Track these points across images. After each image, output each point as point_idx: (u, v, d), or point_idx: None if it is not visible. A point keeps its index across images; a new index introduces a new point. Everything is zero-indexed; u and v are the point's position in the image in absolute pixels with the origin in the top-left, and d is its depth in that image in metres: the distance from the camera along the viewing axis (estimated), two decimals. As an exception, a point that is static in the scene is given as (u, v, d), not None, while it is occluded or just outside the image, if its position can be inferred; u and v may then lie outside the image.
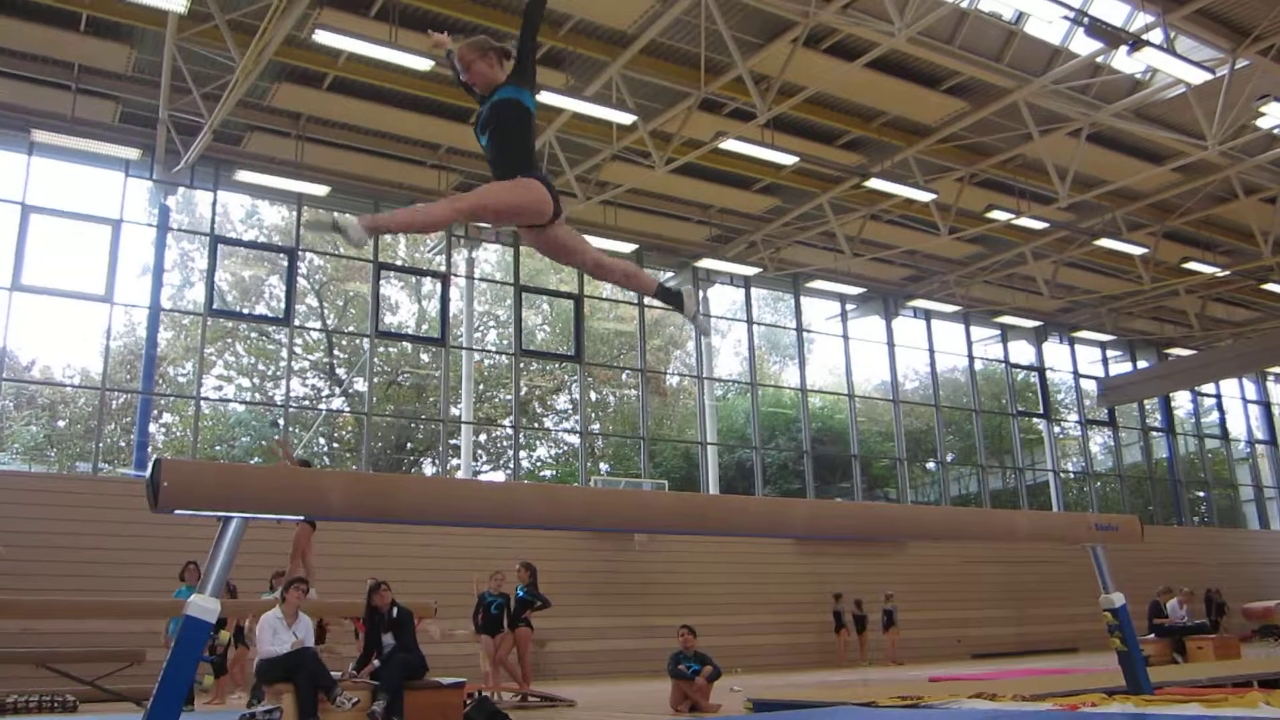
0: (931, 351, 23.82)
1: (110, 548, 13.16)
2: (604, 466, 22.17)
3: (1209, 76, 13.21)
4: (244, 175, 15.97)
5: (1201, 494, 28.61)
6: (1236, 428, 29.64)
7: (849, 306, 22.94)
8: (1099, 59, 14.03)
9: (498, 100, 4.21)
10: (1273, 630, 21.86)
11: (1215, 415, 29.25)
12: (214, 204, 17.03)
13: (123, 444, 18.58)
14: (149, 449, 16.79)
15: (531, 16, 4.27)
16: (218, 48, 12.56)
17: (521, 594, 11.11)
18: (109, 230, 15.63)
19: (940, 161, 17.13)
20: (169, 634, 9.90)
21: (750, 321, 21.61)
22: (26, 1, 12.50)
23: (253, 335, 21.22)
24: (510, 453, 19.81)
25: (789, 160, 15.59)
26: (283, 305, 17.46)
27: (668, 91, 14.76)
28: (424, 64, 12.44)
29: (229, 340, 21.10)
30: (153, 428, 18.88)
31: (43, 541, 13.04)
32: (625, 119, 14.22)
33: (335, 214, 3.68)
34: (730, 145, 14.78)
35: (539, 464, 22.83)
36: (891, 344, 23.18)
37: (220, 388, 20.80)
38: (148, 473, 3.07)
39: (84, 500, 14.08)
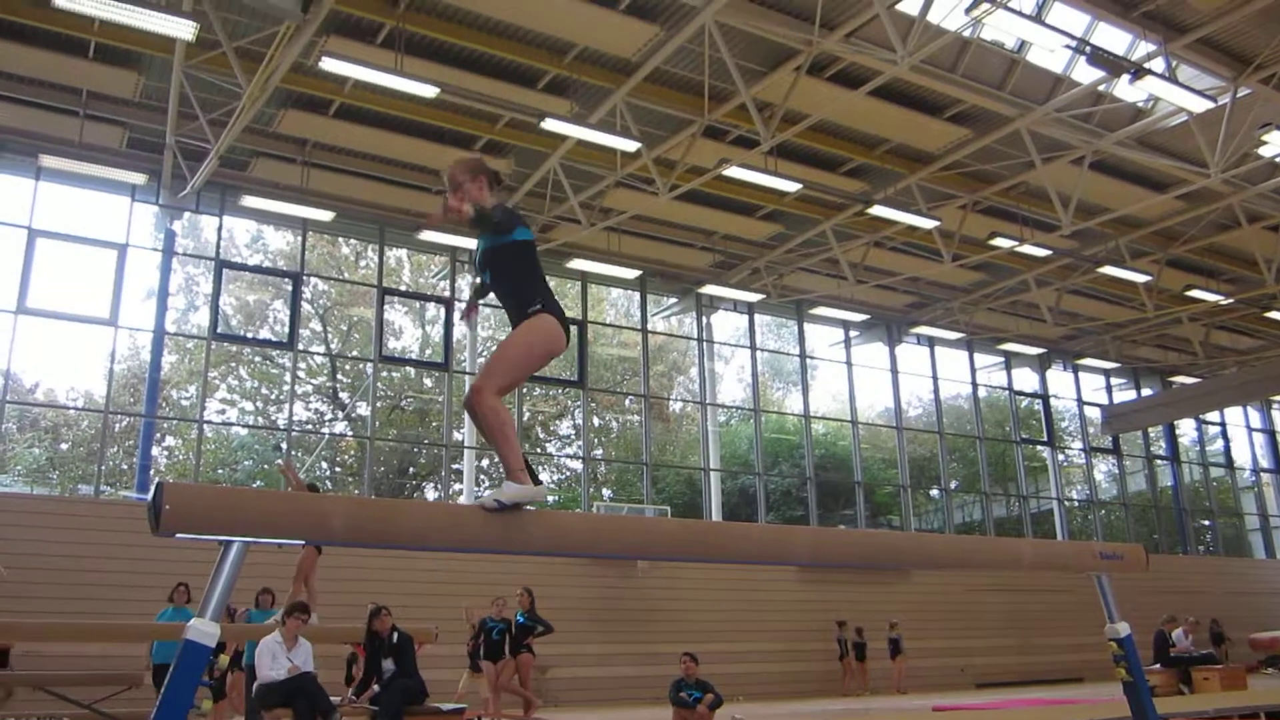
0: (935, 378, 23.80)
1: (111, 570, 13.12)
2: (606, 492, 22.12)
3: (1211, 105, 13.25)
4: (249, 200, 16.05)
5: (1207, 523, 28.48)
6: (1241, 456, 29.56)
7: (852, 333, 22.96)
8: (1101, 87, 14.10)
9: (501, 246, 4.14)
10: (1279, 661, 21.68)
11: (1220, 443, 29.18)
12: (219, 229, 17.11)
13: (125, 467, 18.57)
14: (151, 472, 16.76)
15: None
16: (225, 74, 12.66)
17: (522, 619, 11.08)
18: (114, 254, 15.70)
19: (943, 189, 17.19)
20: (151, 657, 9.85)
21: (753, 348, 21.62)
22: (35, 28, 12.60)
23: (256, 359, 21.24)
24: (513, 478, 19.76)
25: (792, 187, 15.64)
26: (287, 329, 17.50)
27: (671, 119, 14.84)
28: (429, 91, 12.51)
29: (233, 364, 21.13)
30: (155, 451, 18.87)
31: (44, 564, 13.02)
32: (629, 146, 14.29)
33: (497, 498, 3.64)
34: (733, 172, 14.83)
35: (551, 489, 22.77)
36: (895, 371, 23.17)
37: (223, 411, 20.80)
38: (150, 496, 3.06)
39: (86, 523, 14.06)
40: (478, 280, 4.28)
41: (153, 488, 3.07)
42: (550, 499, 22.55)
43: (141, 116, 14.69)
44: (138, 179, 15.45)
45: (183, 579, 10.96)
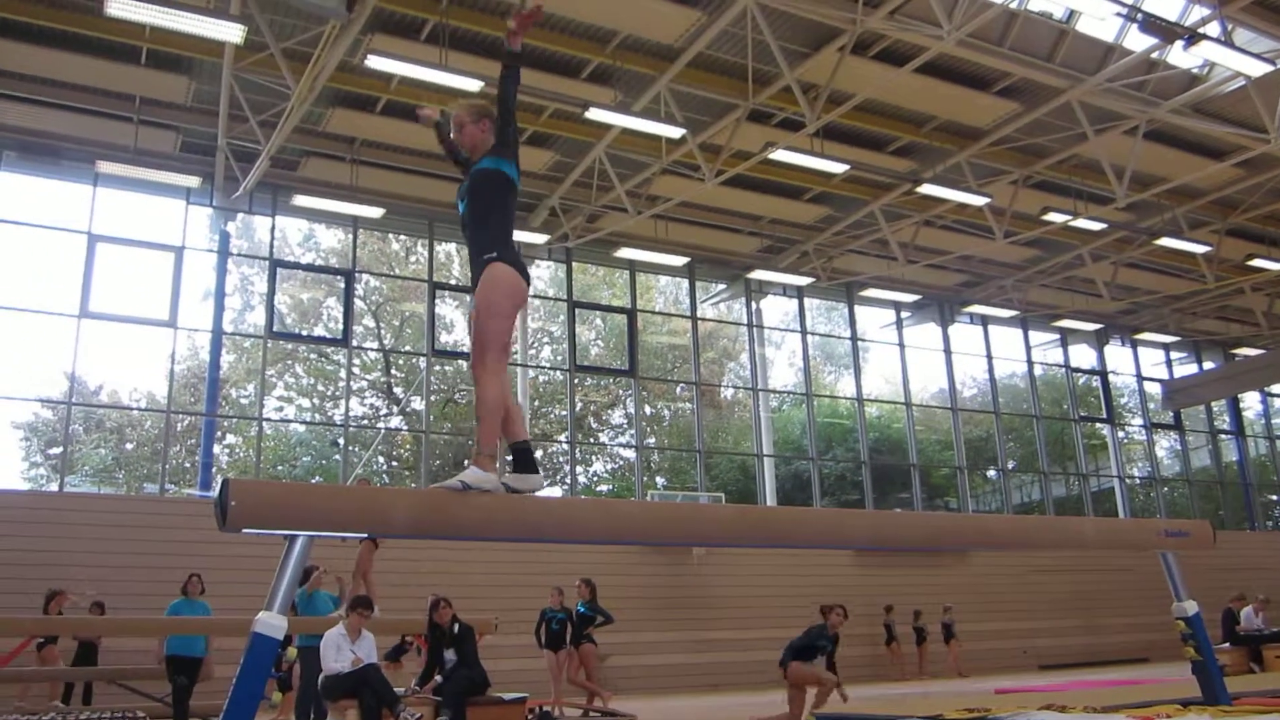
0: (990, 358, 23.49)
1: (177, 567, 13.34)
2: (660, 480, 22.15)
3: (1269, 68, 12.89)
4: (301, 200, 16.24)
5: (1275, 497, 27.84)
6: (1309, 428, 28.83)
7: (904, 314, 22.72)
8: (1154, 55, 13.77)
9: (480, 169, 4.24)
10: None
11: (1287, 416, 28.50)
12: (272, 228, 17.36)
13: (188, 465, 18.94)
14: (213, 470, 17.11)
15: (505, 88, 4.26)
16: (273, 76, 12.83)
17: (583, 610, 11.14)
18: (172, 257, 15.99)
19: (993, 164, 16.93)
20: (164, 651, 9.98)
21: (804, 332, 21.49)
22: (88, 36, 12.86)
23: (312, 356, 21.53)
24: (566, 468, 19.87)
25: (839, 169, 15.51)
26: (341, 326, 17.72)
27: (716, 104, 14.77)
28: (474, 85, 12.56)
29: (289, 362, 21.44)
30: (217, 449, 19.23)
31: (113, 561, 13.33)
32: (674, 132, 14.26)
33: (462, 479, 3.71)
34: (780, 155, 14.73)
35: (595, 479, 22.86)
36: (948, 351, 22.90)
37: (281, 408, 21.11)
38: (216, 493, 3.12)
39: (152, 520, 14.37)
40: (459, 201, 4.36)
41: (218, 485, 3.13)
42: (604, 488, 22.63)
43: (194, 120, 14.94)
44: (192, 182, 15.70)
45: (246, 574, 11.14)
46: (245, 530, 3.16)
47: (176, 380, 16.83)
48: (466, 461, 3.90)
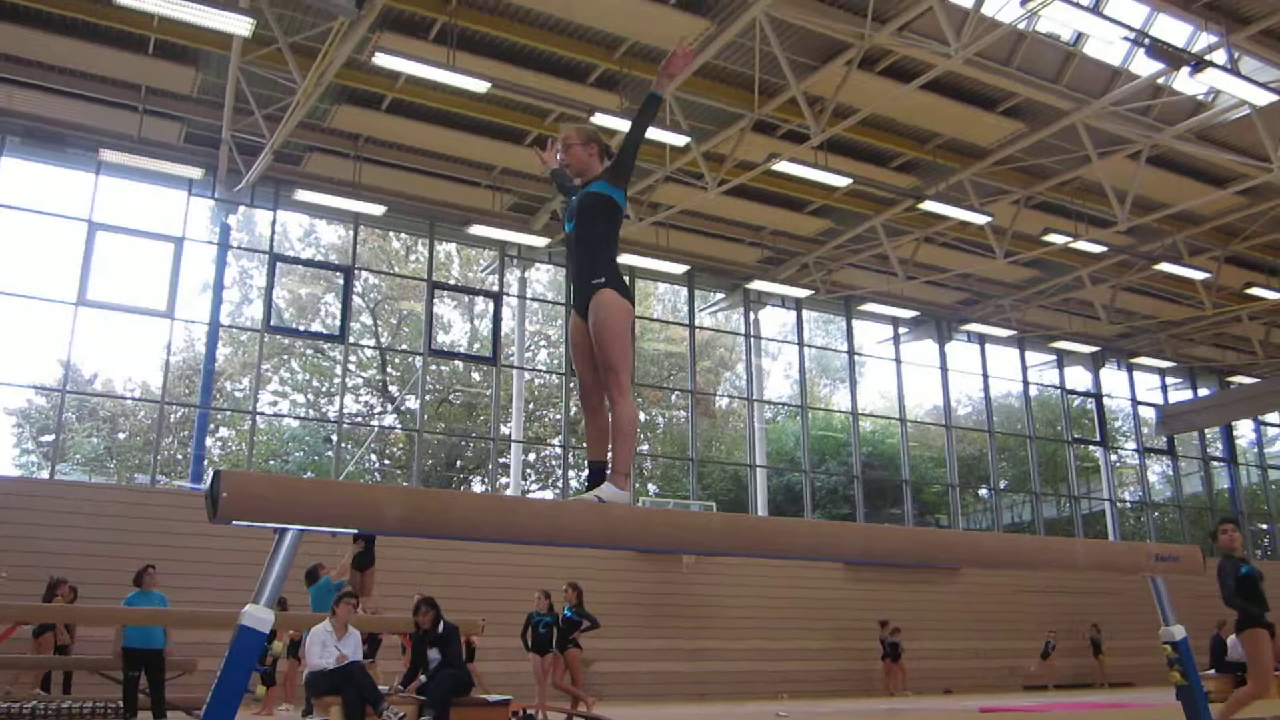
0: (985, 376, 23.51)
1: (166, 558, 13.34)
2: (652, 488, 22.14)
3: (1274, 98, 12.94)
4: (303, 195, 16.25)
5: (1265, 526, 27.87)
6: (1302, 458, 28.88)
7: (901, 330, 22.75)
8: (1160, 80, 13.81)
9: (592, 193, 4.32)
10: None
11: (1280, 445, 28.54)
12: (273, 223, 17.36)
13: (180, 457, 18.91)
14: (205, 462, 17.07)
15: (640, 123, 4.38)
16: (280, 70, 12.83)
17: (569, 614, 11.12)
18: (171, 248, 15.98)
19: (996, 184, 16.97)
20: (121, 643, 9.95)
21: (801, 344, 21.50)
22: (96, 24, 12.86)
23: (308, 352, 21.52)
24: (559, 472, 19.86)
25: (842, 182, 15.53)
26: (338, 323, 17.70)
27: (721, 113, 14.80)
28: (481, 86, 12.59)
29: (285, 357, 21.43)
30: (209, 441, 19.20)
31: (102, 550, 13.29)
32: (679, 140, 14.27)
33: (598, 495, 3.97)
34: (783, 167, 14.76)
35: (587, 484, 22.85)
36: (945, 368, 22.93)
37: (275, 403, 21.11)
38: (207, 484, 3.12)
39: (142, 511, 14.34)
40: (566, 222, 4.45)
41: (210, 475, 3.12)
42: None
43: (199, 112, 14.94)
44: (195, 173, 15.70)
45: (235, 568, 11.13)
46: (236, 522, 3.14)
47: (171, 371, 16.81)
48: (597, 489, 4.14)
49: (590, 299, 4.19)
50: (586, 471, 4.26)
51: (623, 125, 13.76)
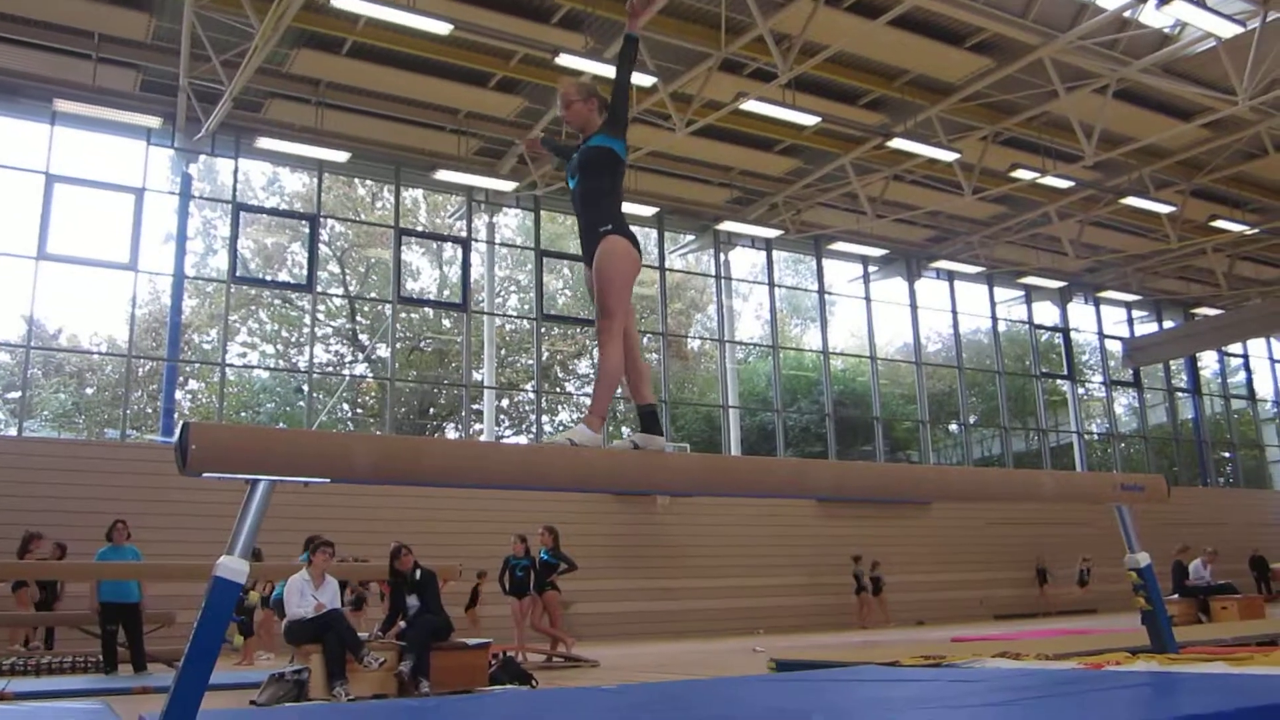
0: (954, 313, 23.68)
1: (139, 512, 13.30)
2: (625, 430, 22.21)
3: (1240, 30, 12.96)
4: (265, 142, 15.99)
5: (1227, 455, 28.43)
6: (1263, 388, 29.39)
7: (871, 268, 22.82)
8: (1127, 13, 13.75)
9: (592, 146, 4.40)
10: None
11: (1242, 375, 29.03)
12: (235, 171, 17.10)
13: (149, 411, 18.76)
14: (175, 415, 16.93)
15: (623, 68, 4.40)
16: (236, 14, 12.54)
17: (546, 557, 11.21)
18: (132, 199, 15.71)
19: (964, 120, 16.94)
20: (97, 598, 10.03)
21: (771, 284, 21.53)
22: (45, -31, 12.50)
23: (276, 302, 21.32)
24: (532, 417, 19.90)
25: (811, 121, 15.45)
26: (305, 272, 17.53)
27: (688, 53, 14.63)
28: (443, 28, 12.37)
29: (252, 307, 21.21)
30: (179, 395, 19.04)
31: (73, 506, 13.22)
32: (645, 81, 14.12)
33: (570, 438, 3.98)
34: (751, 106, 14.65)
35: (561, 428, 22.89)
36: (914, 306, 23.06)
37: (244, 354, 20.94)
38: (176, 436, 3.09)
39: (113, 466, 14.27)
40: (569, 178, 4.53)
41: (179, 428, 3.10)
42: (570, 438, 22.64)
43: (154, 59, 14.59)
44: (153, 122, 15.40)
45: (209, 520, 11.10)
46: (206, 474, 3.13)
47: (137, 324, 16.62)
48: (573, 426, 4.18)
49: (596, 246, 4.27)
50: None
51: (589, 66, 13.60)
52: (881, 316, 22.83)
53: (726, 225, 20.04)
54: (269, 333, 21.94)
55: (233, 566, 3.15)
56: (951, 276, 23.61)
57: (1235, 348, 28.13)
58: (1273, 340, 29.11)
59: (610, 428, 19.85)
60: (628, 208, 18.75)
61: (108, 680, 9.22)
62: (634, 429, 4.36)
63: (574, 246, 21.27)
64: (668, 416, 19.76)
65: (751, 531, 18.41)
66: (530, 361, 20.32)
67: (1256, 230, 21.22)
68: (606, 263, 4.23)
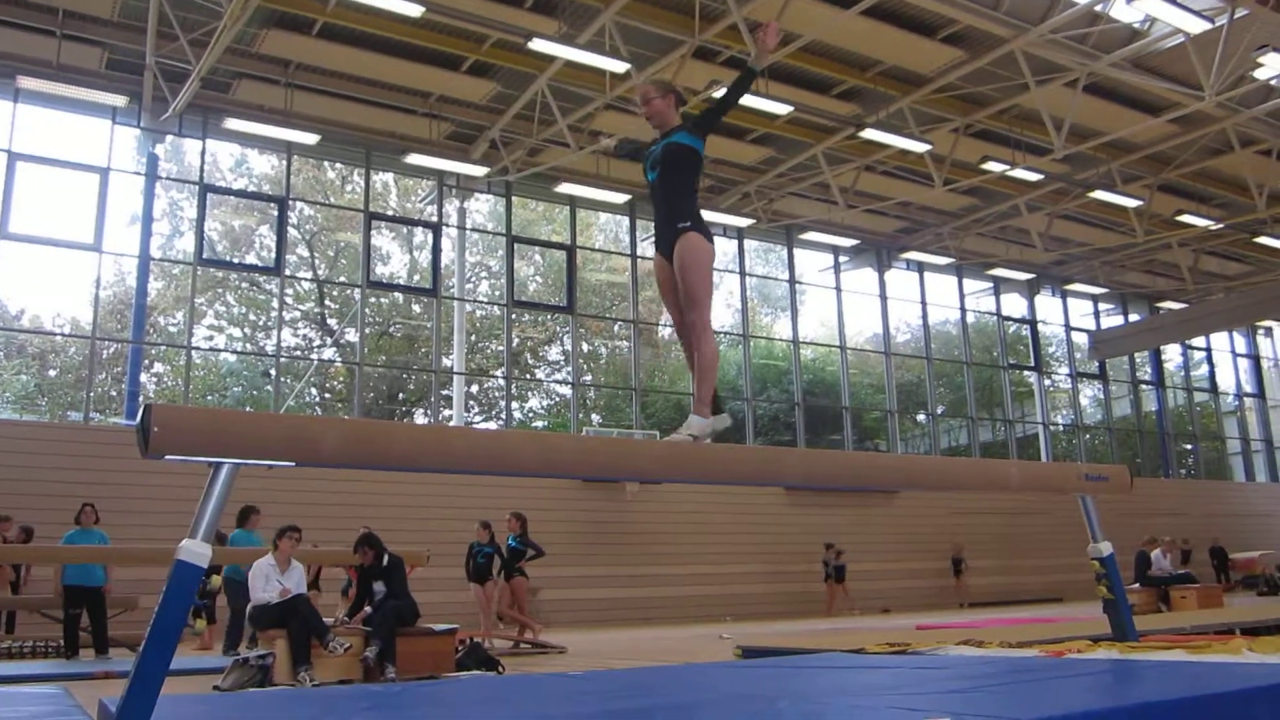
0: (924, 304, 23.83)
1: (103, 496, 13.17)
2: (596, 418, 22.21)
3: (1208, 26, 13.09)
4: (233, 123, 15.81)
5: (1189, 447, 28.82)
6: (1225, 381, 29.82)
7: (842, 258, 22.90)
8: (1098, 7, 13.88)
9: (675, 143, 4.62)
10: (1256, 580, 22.14)
11: (1205, 369, 29.42)
12: (203, 152, 16.89)
13: (114, 393, 18.54)
14: (140, 398, 16.74)
15: (734, 92, 4.71)
16: (204, -8, 12.37)
17: (513, 543, 11.19)
18: (96, 179, 15.49)
19: (935, 112, 17.01)
20: (61, 581, 10.01)
21: (742, 273, 21.56)
22: (8, -57, 12.27)
23: (243, 285, 21.09)
24: (502, 404, 19.84)
25: (783, 110, 15.46)
26: (273, 255, 17.37)
27: (661, 39, 14.59)
28: (415, 10, 12.27)
29: (219, 290, 20.97)
30: (144, 377, 18.82)
31: (35, 490, 13.06)
32: (618, 67, 14.07)
33: (690, 433, 4.37)
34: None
35: (531, 415, 22.85)
36: (884, 296, 23.18)
37: (211, 338, 20.71)
38: (138, 419, 3.06)
39: (76, 449, 14.10)
40: (647, 171, 4.76)
41: (141, 410, 3.06)
42: (539, 425, 22.66)
43: (120, 37, 14.36)
44: (118, 101, 15.17)
45: (173, 504, 11.00)
46: (168, 457, 3.10)
47: (102, 306, 16.40)
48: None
49: (675, 241, 4.49)
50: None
51: (561, 51, 13.55)
52: (852, 306, 22.94)
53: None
54: (236, 316, 21.72)
55: (195, 550, 3.12)
56: (921, 267, 23.75)
57: (1198, 341, 28.50)
58: (1235, 334, 29.54)
59: (580, 413, 19.85)
60: (600, 194, 18.86)
61: (68, 665, 9.12)
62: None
63: (545, 232, 21.31)
64: (638, 403, 19.77)
65: (719, 519, 18.47)
66: (500, 348, 20.25)
67: (1221, 226, 21.49)
68: (691, 258, 4.44)
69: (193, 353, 17.52)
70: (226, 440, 3.15)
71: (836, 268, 22.80)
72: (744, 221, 20.32)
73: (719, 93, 4.73)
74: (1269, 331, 30.64)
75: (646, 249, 21.23)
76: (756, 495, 18.82)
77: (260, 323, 20.99)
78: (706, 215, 17.49)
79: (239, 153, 19.47)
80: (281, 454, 3.32)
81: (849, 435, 21.90)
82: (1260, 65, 14.48)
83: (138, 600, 11.27)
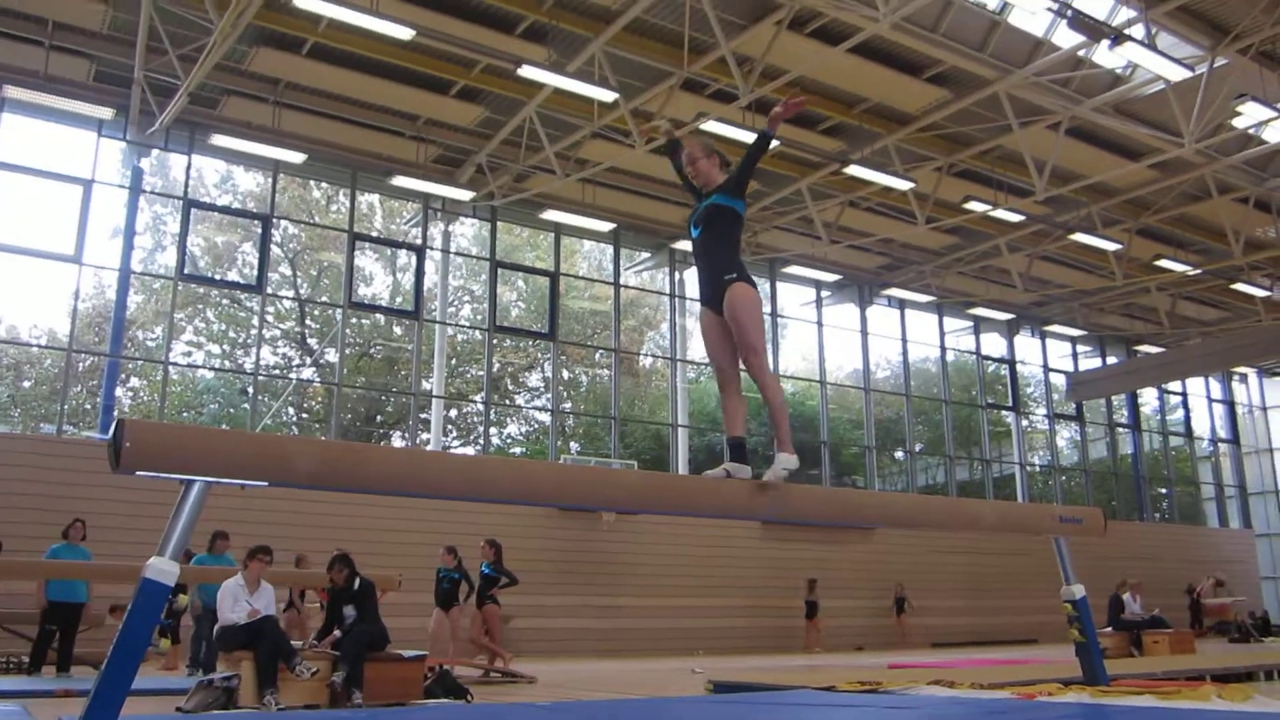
0: (904, 341, 23.94)
1: (74, 510, 13.00)
2: (574, 445, 22.15)
3: (1188, 74, 13.28)
4: (219, 139, 15.78)
5: (1164, 491, 28.97)
6: (1201, 426, 30.02)
7: (824, 293, 23.00)
8: (1081, 52, 14.06)
9: (718, 204, 4.96)
10: (1227, 626, 22.20)
11: (1180, 413, 29.62)
12: (188, 167, 16.83)
13: (89, 407, 18.38)
14: (115, 412, 16.59)
15: (754, 153, 5.02)
16: (196, 8, 12.39)
17: (487, 571, 11.11)
18: (80, 190, 15.41)
19: (920, 150, 17.17)
20: (44, 596, 9.91)
21: (725, 305, 21.58)
22: (0, -47, 12.25)
23: (224, 302, 21.00)
24: (481, 429, 19.76)
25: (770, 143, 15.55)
26: (255, 272, 17.29)
27: (650, 70, 14.68)
28: (405, 33, 12.31)
29: (200, 306, 20.88)
30: (119, 391, 18.68)
31: (4, 502, 12.89)
32: (607, 96, 14.13)
33: (785, 468, 4.72)
34: (711, 126, 14.71)
35: (509, 441, 22.79)
36: (865, 332, 23.27)
37: (189, 354, 20.58)
38: (110, 433, 3.02)
39: (48, 462, 13.92)
40: (692, 228, 5.12)
41: (113, 425, 3.03)
42: (518, 451, 22.57)
43: (109, 49, 14.35)
44: (105, 114, 15.12)
45: (145, 520, 10.88)
46: (139, 473, 3.06)
47: (80, 318, 16.27)
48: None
49: (724, 292, 4.76)
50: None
51: (550, 79, 13.61)
52: (832, 341, 23.02)
53: (683, 244, 20.09)
54: (215, 332, 21.61)
55: (162, 568, 3.08)
56: (902, 304, 23.88)
57: (1175, 386, 28.74)
58: (1211, 379, 29.80)
59: (559, 441, 19.79)
60: (585, 222, 18.90)
61: (30, 682, 8.98)
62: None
63: (529, 258, 21.35)
64: (616, 433, 19.73)
65: (695, 552, 18.40)
66: (480, 372, 20.20)
67: (1199, 271, 21.72)
68: (742, 309, 4.72)
69: (170, 368, 17.38)
70: (199, 458, 3.12)
71: (818, 302, 22.89)
72: (728, 253, 20.36)
73: (739, 161, 5.07)
74: (1244, 378, 30.93)
75: (629, 278, 21.28)
76: (732, 528, 18.77)
77: (240, 340, 20.90)
78: (689, 246, 17.56)
79: (225, 169, 19.45)
80: (254, 474, 3.28)
81: (827, 470, 21.90)
82: (1239, 114, 14.71)
83: (104, 618, 11.11)
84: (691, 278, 21.53)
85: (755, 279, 4.95)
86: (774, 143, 4.85)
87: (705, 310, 4.93)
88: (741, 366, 4.94)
